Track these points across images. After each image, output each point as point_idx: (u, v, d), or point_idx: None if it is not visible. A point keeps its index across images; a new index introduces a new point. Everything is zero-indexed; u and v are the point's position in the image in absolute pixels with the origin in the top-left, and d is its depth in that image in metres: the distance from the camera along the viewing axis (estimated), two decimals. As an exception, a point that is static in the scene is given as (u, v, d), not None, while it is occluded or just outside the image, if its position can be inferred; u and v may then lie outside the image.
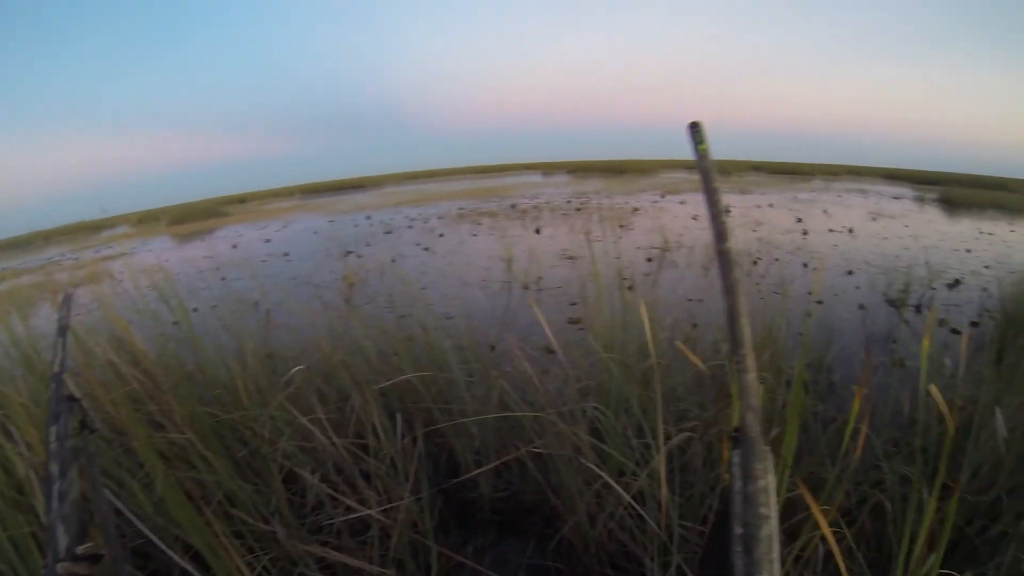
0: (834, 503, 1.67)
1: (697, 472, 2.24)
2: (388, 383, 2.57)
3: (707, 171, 1.03)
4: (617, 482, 2.07)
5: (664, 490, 1.87)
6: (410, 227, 13.50)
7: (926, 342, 1.71)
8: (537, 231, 11.28)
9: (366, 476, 2.29)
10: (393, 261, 8.69)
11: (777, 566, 1.05)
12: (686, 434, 2.19)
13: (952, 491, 2.26)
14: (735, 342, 1.08)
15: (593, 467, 2.13)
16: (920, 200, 20.58)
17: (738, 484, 1.04)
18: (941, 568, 1.56)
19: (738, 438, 1.05)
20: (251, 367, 2.82)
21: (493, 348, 3.56)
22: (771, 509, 1.04)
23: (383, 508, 2.14)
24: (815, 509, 1.27)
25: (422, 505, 2.25)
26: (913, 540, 1.54)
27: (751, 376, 1.08)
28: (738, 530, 1.04)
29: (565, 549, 2.32)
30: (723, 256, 1.11)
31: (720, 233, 1.06)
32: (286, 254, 10.71)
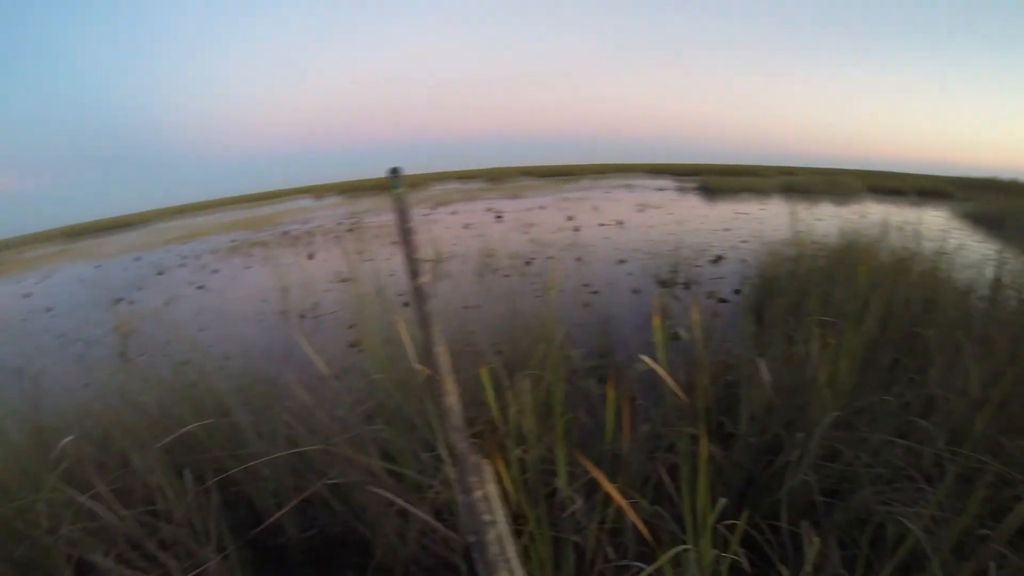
0: (630, 474, 1.79)
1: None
2: (171, 438, 2.45)
3: (403, 212, 1.09)
4: (417, 497, 2.11)
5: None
6: (183, 265, 12.83)
7: (657, 320, 1.85)
8: (311, 256, 11.05)
9: (165, 545, 2.18)
10: (167, 304, 8.22)
11: (515, 563, 1.13)
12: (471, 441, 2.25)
13: (735, 438, 2.48)
14: (432, 369, 1.15)
15: (388, 488, 2.15)
16: (682, 190, 22.66)
17: (462, 498, 1.12)
18: (740, 507, 1.69)
19: (453, 456, 1.13)
20: (17, 448, 2.60)
21: (274, 385, 3.46)
22: (495, 514, 1.12)
23: (190, 576, 2.05)
24: (604, 484, 1.34)
25: (230, 563, 2.17)
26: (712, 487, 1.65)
27: (451, 399, 1.15)
28: (470, 539, 1.12)
29: (384, 573, 2.32)
30: (417, 291, 1.18)
31: (414, 270, 1.13)
32: (49, 309, 9.88)
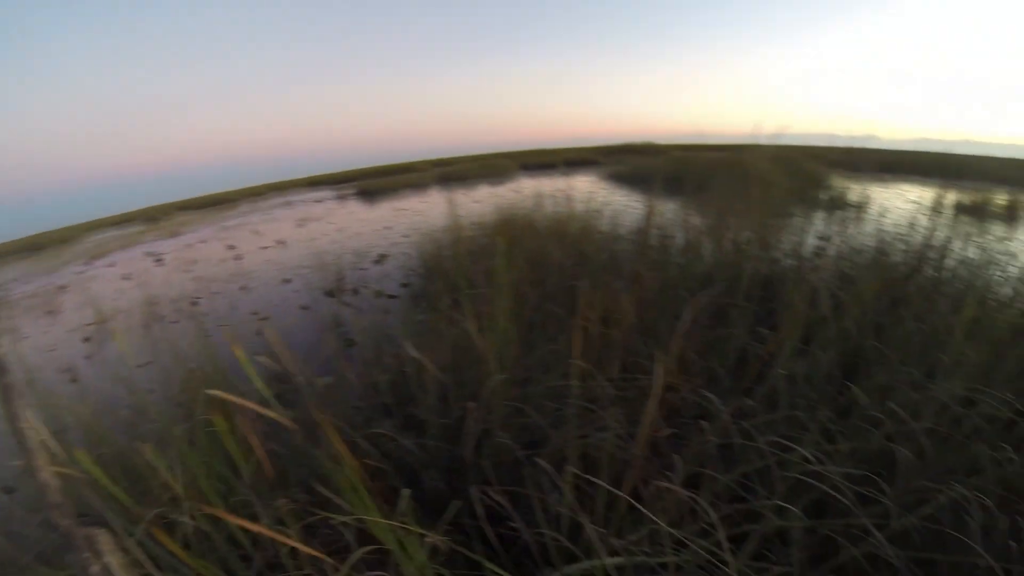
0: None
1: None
2: None
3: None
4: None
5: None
6: None
7: (237, 351, 1.81)
8: None
9: None
10: None
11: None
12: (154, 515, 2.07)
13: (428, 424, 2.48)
14: (22, 447, 1.04)
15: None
16: (341, 198, 22.64)
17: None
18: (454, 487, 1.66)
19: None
20: None
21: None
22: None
23: None
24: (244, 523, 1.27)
25: None
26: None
27: (45, 476, 1.05)
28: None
29: None
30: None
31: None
32: None
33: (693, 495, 1.63)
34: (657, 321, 2.96)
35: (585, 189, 11.41)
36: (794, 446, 1.77)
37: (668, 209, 4.87)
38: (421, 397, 2.62)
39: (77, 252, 22.72)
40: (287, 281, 8.01)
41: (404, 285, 6.35)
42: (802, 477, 1.69)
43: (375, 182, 24.96)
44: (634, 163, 17.08)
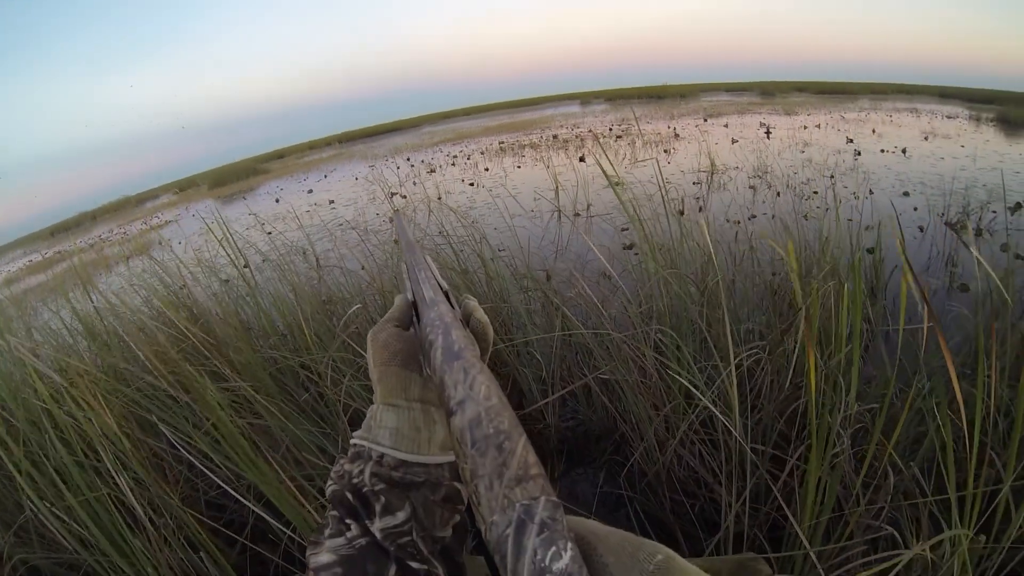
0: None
1: (764, 393, 2.20)
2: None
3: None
4: (685, 405, 2.03)
5: (735, 407, 1.71)
6: (452, 164, 13.40)
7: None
8: (581, 159, 10.92)
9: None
10: (440, 199, 8.45)
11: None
12: (754, 352, 2.12)
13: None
14: None
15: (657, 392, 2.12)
16: (976, 119, 18.87)
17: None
18: None
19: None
20: (306, 314, 2.79)
21: (549, 277, 3.44)
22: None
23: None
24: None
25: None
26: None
27: None
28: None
29: (636, 477, 2.28)
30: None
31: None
32: (330, 202, 10.63)
33: None
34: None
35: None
36: None
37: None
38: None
39: (693, 108, 24.05)
40: (906, 195, 7.25)
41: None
42: None
43: (1020, 111, 19.23)
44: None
